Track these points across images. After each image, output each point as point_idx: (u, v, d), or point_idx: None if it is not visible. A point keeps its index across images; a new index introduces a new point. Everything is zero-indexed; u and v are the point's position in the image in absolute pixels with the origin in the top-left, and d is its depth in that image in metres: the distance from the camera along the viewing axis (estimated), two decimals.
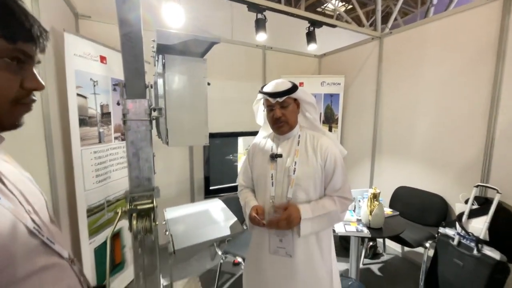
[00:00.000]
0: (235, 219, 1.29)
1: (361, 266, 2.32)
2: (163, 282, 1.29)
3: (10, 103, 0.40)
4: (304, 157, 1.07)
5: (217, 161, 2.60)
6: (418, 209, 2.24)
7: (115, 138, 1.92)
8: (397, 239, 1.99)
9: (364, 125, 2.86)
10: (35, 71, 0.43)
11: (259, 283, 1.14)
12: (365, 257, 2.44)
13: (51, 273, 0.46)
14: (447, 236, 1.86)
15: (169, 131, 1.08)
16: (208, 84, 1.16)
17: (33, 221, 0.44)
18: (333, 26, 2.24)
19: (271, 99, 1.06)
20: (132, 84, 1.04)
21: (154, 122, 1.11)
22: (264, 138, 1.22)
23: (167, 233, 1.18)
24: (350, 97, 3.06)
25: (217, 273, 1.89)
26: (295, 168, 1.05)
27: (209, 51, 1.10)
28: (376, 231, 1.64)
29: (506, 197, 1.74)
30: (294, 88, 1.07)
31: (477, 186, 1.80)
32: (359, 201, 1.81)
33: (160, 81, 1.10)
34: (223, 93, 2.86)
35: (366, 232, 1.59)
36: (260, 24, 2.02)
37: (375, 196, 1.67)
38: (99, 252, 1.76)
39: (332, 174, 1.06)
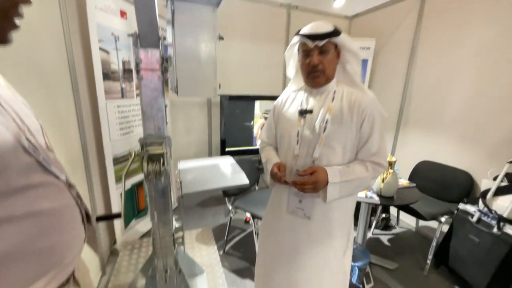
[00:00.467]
0: (243, 173, 1.34)
1: (370, 235, 2.34)
2: (176, 224, 1.43)
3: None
4: (338, 115, 0.95)
5: (233, 124, 2.64)
6: (439, 184, 2.12)
7: (137, 95, 2.01)
8: (410, 211, 1.94)
9: (391, 94, 2.65)
10: None
11: (275, 242, 1.11)
12: (375, 227, 2.44)
13: (47, 191, 0.46)
14: (466, 213, 1.77)
15: (178, 80, 1.10)
16: (221, 38, 1.13)
17: (28, 140, 0.44)
18: None
19: (309, 42, 0.92)
20: (145, 34, 1.06)
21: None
22: (294, 92, 1.10)
23: (178, 180, 1.28)
24: (380, 63, 2.82)
25: (227, 226, 2.03)
26: (326, 126, 0.95)
27: (226, 8, 1.05)
28: (387, 200, 1.61)
29: None
30: (336, 31, 0.92)
31: (510, 162, 1.64)
32: None
33: (170, 30, 1.10)
34: (243, 55, 2.79)
35: (376, 199, 1.57)
36: None
37: (390, 164, 1.61)
38: (131, 189, 1.98)
39: (368, 136, 0.95)
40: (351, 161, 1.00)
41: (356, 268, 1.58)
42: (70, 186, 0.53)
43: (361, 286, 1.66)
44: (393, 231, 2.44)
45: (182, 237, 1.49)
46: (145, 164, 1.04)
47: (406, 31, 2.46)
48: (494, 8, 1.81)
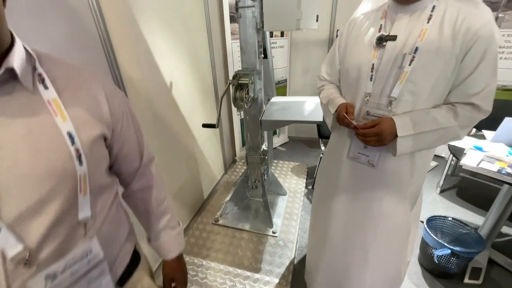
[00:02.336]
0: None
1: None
2: (264, 147, 1.71)
3: None
4: (435, 41, 0.69)
5: None
6: None
7: None
8: None
9: None
10: None
11: (332, 190, 1.00)
12: None
13: None
14: None
15: (264, 15, 1.18)
16: None
17: None
18: None
19: None
20: None
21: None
22: (372, 12, 0.85)
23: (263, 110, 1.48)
24: None
25: (317, 166, 2.12)
26: (413, 57, 0.71)
27: None
28: None
29: None
30: None
31: None
32: None
33: None
34: None
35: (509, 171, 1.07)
36: None
37: None
38: (242, 121, 2.50)
39: (473, 70, 0.68)
40: (439, 104, 0.76)
41: (449, 250, 1.27)
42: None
43: (453, 271, 1.35)
44: None
45: (265, 157, 1.74)
46: (233, 91, 1.31)
47: None
48: None
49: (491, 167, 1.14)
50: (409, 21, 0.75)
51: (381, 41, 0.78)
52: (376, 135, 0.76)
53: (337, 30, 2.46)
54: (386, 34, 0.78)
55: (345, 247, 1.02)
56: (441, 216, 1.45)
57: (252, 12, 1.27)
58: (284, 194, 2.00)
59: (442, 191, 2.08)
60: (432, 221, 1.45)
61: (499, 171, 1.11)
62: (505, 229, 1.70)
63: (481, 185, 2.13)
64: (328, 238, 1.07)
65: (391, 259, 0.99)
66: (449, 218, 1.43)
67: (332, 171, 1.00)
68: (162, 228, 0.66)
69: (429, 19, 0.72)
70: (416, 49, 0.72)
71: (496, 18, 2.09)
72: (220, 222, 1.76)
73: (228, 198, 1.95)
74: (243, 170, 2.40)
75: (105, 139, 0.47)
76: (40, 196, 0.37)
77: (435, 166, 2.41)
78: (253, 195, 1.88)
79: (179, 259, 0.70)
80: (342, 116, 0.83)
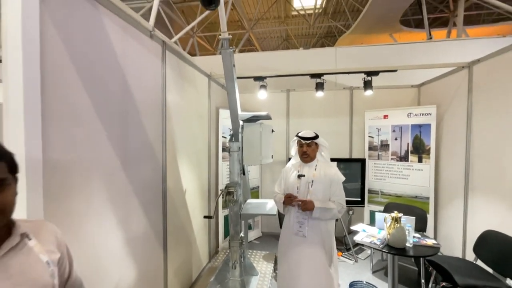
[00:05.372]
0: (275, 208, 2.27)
1: None
2: (242, 233, 2.47)
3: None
4: (319, 177, 1.82)
5: None
6: (501, 257, 1.97)
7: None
8: (446, 276, 1.98)
9: (456, 159, 2.68)
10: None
11: (288, 252, 1.87)
12: None
13: None
14: None
15: (244, 157, 2.31)
16: (272, 131, 2.29)
17: None
18: (394, 70, 2.59)
19: (302, 141, 1.93)
20: (236, 133, 2.38)
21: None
22: (294, 164, 2.07)
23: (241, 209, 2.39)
24: (444, 128, 2.92)
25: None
26: (312, 184, 1.86)
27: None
28: (396, 250, 1.94)
29: None
30: (316, 136, 1.91)
31: None
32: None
33: (240, 135, 2.38)
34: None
35: (378, 244, 1.96)
36: (319, 87, 2.85)
37: (396, 220, 1.98)
38: (226, 218, 3.29)
39: (335, 189, 1.79)
40: (326, 201, 1.78)
41: None
42: None
43: None
44: None
45: (242, 242, 2.47)
46: (224, 195, 2.25)
47: (461, 99, 2.63)
48: None
49: (368, 240, 2.03)
50: (308, 169, 1.89)
51: (299, 176, 1.90)
52: (305, 203, 1.72)
53: (289, 158, 3.75)
54: (301, 173, 1.90)
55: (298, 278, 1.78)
56: (359, 281, 2.16)
57: (237, 154, 2.42)
58: (256, 274, 2.57)
59: (374, 272, 2.78)
60: (353, 285, 2.14)
61: (371, 242, 2.01)
62: None
63: (401, 267, 2.89)
64: (289, 276, 1.84)
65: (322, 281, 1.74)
66: (364, 282, 2.15)
67: (286, 240, 1.92)
68: None
69: (315, 168, 1.85)
70: (312, 181, 1.81)
71: None
72: None
73: (212, 278, 2.48)
74: (225, 257, 2.97)
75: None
76: None
77: (369, 255, 3.18)
78: (233, 275, 2.44)
79: None
80: (288, 196, 1.82)
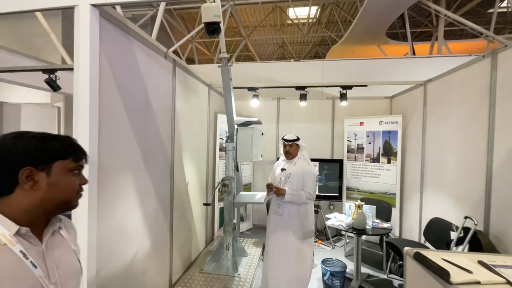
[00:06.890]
0: (263, 198, 2.74)
1: (385, 277, 2.82)
2: (235, 221, 2.93)
3: (76, 193, 0.71)
4: (296, 172, 2.33)
5: None
6: (440, 237, 2.48)
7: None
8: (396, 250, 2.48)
9: (416, 160, 3.20)
10: (83, 173, 0.73)
11: (271, 227, 2.42)
12: (393, 272, 2.86)
13: None
14: None
15: (238, 155, 2.78)
16: (262, 134, 2.77)
17: None
18: (364, 85, 3.10)
19: (285, 142, 2.43)
20: (231, 134, 2.85)
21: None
22: (282, 160, 2.55)
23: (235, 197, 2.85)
24: (408, 134, 3.45)
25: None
26: (289, 175, 2.35)
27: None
28: (357, 230, 2.43)
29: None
30: (297, 139, 2.39)
31: (466, 218, 2.07)
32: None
33: (235, 137, 2.84)
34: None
35: (344, 226, 2.45)
36: (302, 97, 3.34)
37: (359, 207, 2.47)
38: (221, 210, 3.75)
39: (307, 182, 2.27)
40: (299, 190, 2.26)
41: (329, 271, 2.40)
42: None
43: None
44: None
45: (235, 227, 2.93)
46: (220, 187, 2.71)
47: (419, 111, 3.15)
48: (463, 96, 2.43)
49: (336, 223, 2.52)
50: (290, 165, 2.40)
51: (282, 170, 2.41)
52: (278, 190, 2.23)
53: (277, 158, 4.23)
54: (283, 168, 2.40)
55: (279, 258, 2.27)
56: (330, 258, 2.64)
57: (232, 153, 2.89)
58: (246, 256, 3.03)
59: (347, 256, 3.27)
60: (325, 261, 2.62)
61: (339, 225, 2.49)
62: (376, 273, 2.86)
63: (367, 251, 3.39)
64: (269, 257, 2.31)
65: (299, 263, 2.21)
66: (334, 258, 2.63)
67: (270, 218, 2.44)
68: None
69: (294, 165, 2.34)
70: (290, 173, 2.31)
71: None
72: (204, 270, 2.69)
73: (209, 258, 2.92)
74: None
75: None
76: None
77: (344, 245, 3.67)
78: (226, 256, 2.90)
79: None
80: (269, 184, 2.32)
